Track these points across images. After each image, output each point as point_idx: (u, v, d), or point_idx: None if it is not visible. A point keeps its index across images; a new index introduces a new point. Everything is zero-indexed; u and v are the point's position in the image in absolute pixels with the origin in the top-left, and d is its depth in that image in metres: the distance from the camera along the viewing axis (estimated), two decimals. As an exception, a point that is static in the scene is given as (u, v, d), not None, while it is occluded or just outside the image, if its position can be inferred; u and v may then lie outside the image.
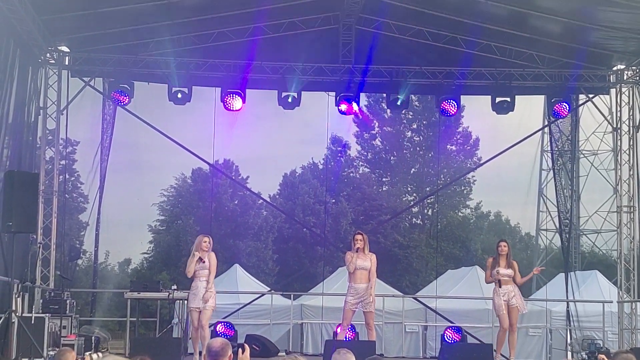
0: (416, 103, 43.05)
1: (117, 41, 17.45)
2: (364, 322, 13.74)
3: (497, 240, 14.59)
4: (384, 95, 20.07)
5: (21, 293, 13.63)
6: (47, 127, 17.57)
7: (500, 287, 13.81)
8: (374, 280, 13.61)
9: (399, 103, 18.49)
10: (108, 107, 18.53)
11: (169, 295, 14.93)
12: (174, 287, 15.16)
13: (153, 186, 41.63)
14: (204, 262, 13.09)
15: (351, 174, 46.33)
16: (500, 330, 13.94)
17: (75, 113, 17.87)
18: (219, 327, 16.69)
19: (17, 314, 12.80)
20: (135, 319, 15.92)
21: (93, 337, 15.89)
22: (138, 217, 41.63)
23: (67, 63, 17.81)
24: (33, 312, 14.49)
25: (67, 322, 14.83)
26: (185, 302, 13.93)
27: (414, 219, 46.45)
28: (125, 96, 17.71)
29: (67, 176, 19.96)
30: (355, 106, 18.14)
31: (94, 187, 18.32)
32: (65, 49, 17.69)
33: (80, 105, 18.00)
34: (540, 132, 24.11)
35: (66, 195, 19.57)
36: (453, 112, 18.52)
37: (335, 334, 15.93)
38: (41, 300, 15.76)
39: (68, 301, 15.39)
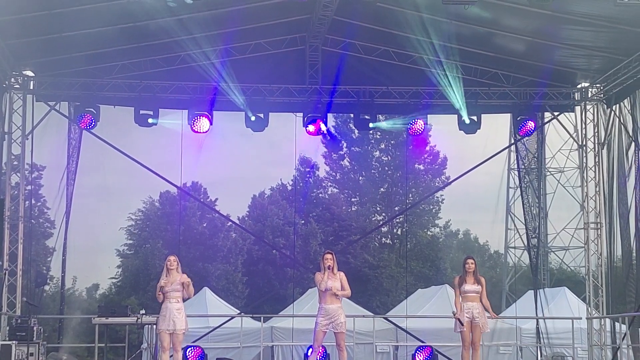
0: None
1: (83, 65, 17.35)
2: (334, 343, 13.66)
3: (464, 257, 14.29)
4: (352, 115, 20.04)
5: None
6: (13, 152, 17.47)
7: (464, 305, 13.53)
8: (348, 291, 13.35)
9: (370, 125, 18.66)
10: (74, 131, 18.36)
11: (137, 320, 14.80)
12: (143, 311, 15.02)
13: (120, 210, 41.33)
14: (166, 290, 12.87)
15: (320, 195, 46.27)
16: (463, 348, 13.45)
17: (41, 138, 17.77)
18: (189, 352, 16.56)
19: (-17, 342, 12.65)
20: (103, 345, 15.74)
21: (61, 364, 15.73)
22: (106, 241, 41.27)
23: (32, 87, 17.71)
24: (-1, 339, 14.33)
25: (34, 349, 14.68)
26: (155, 326, 13.75)
27: (383, 239, 46.44)
28: (91, 120, 17.63)
29: (33, 201, 19.76)
30: (323, 127, 18.17)
31: (60, 212, 18.14)
32: (30, 73, 17.60)
33: (46, 129, 17.89)
34: (507, 150, 24.22)
35: (32, 220, 19.38)
36: (420, 132, 18.57)
37: (306, 355, 15.87)
38: (7, 328, 15.58)
39: (35, 328, 15.20)
